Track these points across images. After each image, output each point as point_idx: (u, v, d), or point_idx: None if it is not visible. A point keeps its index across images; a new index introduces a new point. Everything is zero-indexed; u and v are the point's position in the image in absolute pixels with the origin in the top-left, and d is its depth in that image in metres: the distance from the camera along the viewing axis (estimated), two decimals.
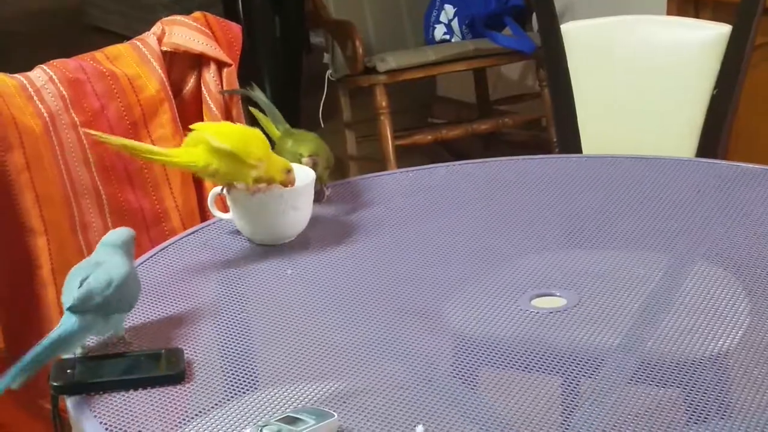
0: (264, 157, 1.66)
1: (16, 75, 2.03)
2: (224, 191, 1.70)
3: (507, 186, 1.93)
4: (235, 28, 2.25)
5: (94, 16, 6.66)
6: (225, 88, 2.20)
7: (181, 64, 2.20)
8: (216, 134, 1.67)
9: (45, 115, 1.99)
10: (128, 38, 2.22)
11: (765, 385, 1.28)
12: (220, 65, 2.20)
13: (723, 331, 1.41)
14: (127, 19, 6.19)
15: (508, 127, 4.35)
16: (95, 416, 1.27)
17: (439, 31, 4.30)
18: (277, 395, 1.30)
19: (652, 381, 1.31)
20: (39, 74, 2.05)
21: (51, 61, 2.09)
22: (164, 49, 2.17)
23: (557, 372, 1.34)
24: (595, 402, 1.27)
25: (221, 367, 1.40)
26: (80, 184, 2.03)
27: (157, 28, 2.21)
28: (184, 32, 2.18)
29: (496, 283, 1.58)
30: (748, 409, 1.24)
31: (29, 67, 2.07)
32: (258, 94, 1.93)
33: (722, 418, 1.22)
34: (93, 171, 2.06)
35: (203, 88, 2.20)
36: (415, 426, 1.22)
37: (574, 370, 1.34)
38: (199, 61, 2.20)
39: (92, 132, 1.75)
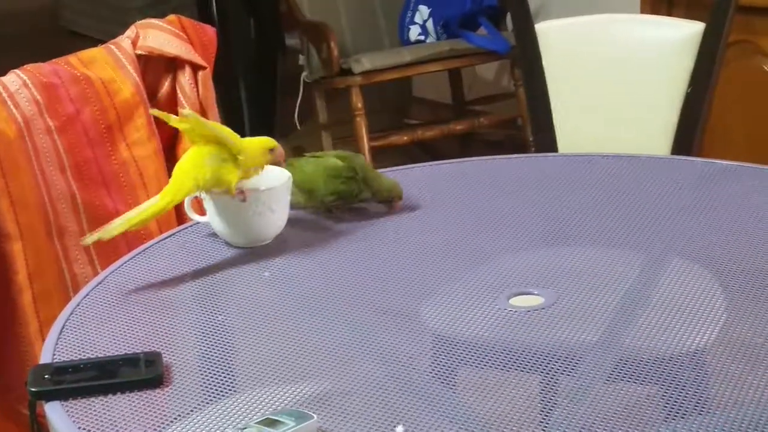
0: (243, 146, 1.67)
1: None
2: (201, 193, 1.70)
3: (483, 186, 1.93)
4: (210, 31, 2.25)
5: (68, 20, 6.64)
6: (200, 90, 2.19)
7: (155, 68, 2.19)
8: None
9: (19, 120, 1.98)
10: (102, 42, 2.22)
11: (742, 380, 1.28)
12: (195, 68, 2.19)
13: (700, 328, 1.41)
14: (102, 23, 6.17)
15: (484, 127, 4.36)
16: (74, 421, 1.27)
17: (414, 32, 4.30)
18: (256, 398, 1.30)
19: (630, 378, 1.32)
20: (13, 79, 2.04)
21: (25, 66, 2.08)
22: (139, 52, 2.17)
23: (536, 370, 1.34)
24: (573, 400, 1.27)
25: (200, 370, 1.40)
26: (55, 189, 2.02)
27: (131, 32, 2.20)
28: (159, 36, 2.18)
29: (474, 283, 1.58)
30: (725, 405, 1.24)
31: (3, 72, 2.06)
32: None
33: (700, 414, 1.23)
34: (68, 176, 2.05)
35: (178, 92, 2.20)
36: (394, 426, 1.22)
37: (552, 368, 1.34)
38: (173, 65, 2.19)
39: (95, 237, 1.66)
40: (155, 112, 1.73)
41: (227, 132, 1.67)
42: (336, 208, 1.80)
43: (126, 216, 1.65)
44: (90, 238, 1.64)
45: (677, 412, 1.23)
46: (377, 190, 1.79)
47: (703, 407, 1.24)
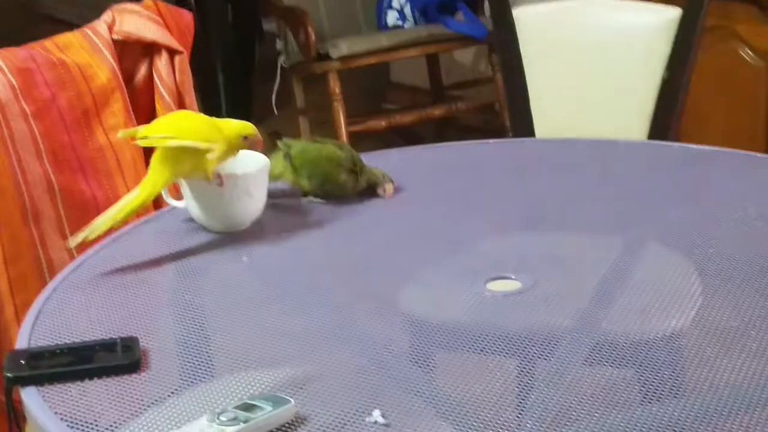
0: (215, 136, 1.64)
1: None
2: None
3: (461, 170, 1.93)
4: (187, 16, 2.24)
5: (44, 5, 6.60)
6: (177, 75, 2.19)
7: (132, 53, 2.18)
8: (168, 132, 1.66)
9: None
10: (78, 27, 2.20)
11: (717, 363, 1.29)
12: (172, 53, 2.19)
13: (676, 311, 1.42)
14: (77, 7, 6.14)
15: (462, 112, 4.37)
16: (50, 407, 1.27)
17: (392, 17, 4.30)
18: (233, 382, 1.30)
19: (607, 361, 1.32)
20: None
21: None
22: (115, 37, 2.16)
23: (513, 354, 1.34)
24: (550, 383, 1.27)
25: (177, 355, 1.39)
26: (31, 174, 2.01)
27: (107, 17, 2.19)
28: (135, 20, 2.17)
29: (451, 267, 1.59)
30: (701, 388, 1.25)
31: None
32: None
33: (675, 397, 1.24)
34: (44, 161, 2.04)
35: (155, 77, 2.19)
36: (371, 410, 1.22)
37: (529, 352, 1.34)
38: (150, 50, 2.19)
39: (79, 238, 1.61)
40: (122, 133, 1.72)
41: (193, 136, 1.64)
42: (327, 196, 1.79)
43: (108, 213, 1.62)
44: (75, 240, 1.61)
45: (653, 395, 1.24)
46: (370, 179, 1.79)
47: (679, 390, 1.25)
